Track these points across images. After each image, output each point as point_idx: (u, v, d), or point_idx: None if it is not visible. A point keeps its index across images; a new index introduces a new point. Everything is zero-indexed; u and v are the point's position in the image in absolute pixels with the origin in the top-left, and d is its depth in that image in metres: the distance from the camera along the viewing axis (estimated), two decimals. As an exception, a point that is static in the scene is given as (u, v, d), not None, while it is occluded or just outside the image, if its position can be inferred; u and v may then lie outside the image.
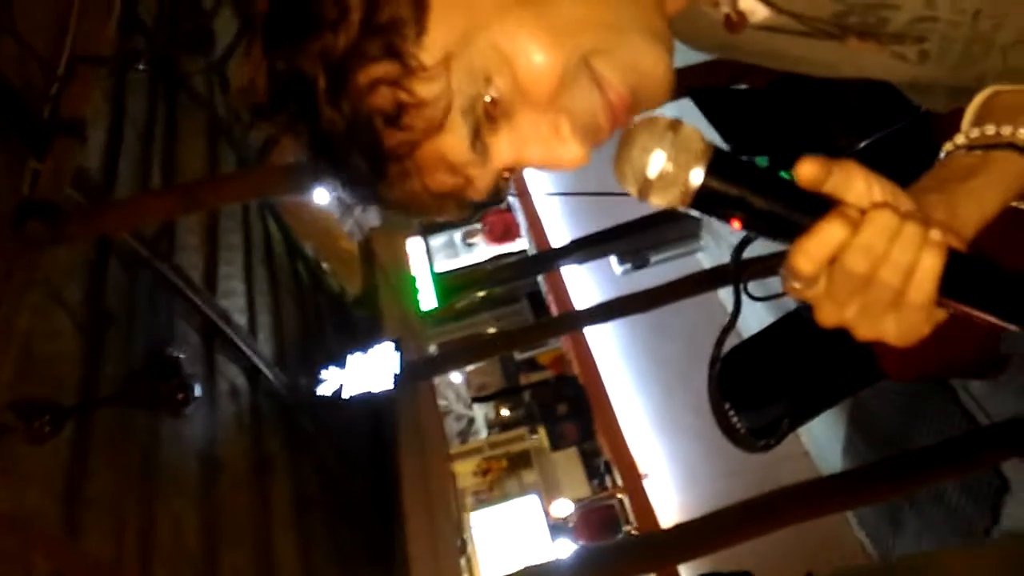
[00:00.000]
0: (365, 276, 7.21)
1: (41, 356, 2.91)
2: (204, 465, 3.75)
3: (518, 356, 9.41)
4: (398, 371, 5.11)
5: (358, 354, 5.26)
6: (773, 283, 3.94)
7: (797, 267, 0.61)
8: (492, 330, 9.73)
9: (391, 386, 5.09)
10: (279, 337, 5.30)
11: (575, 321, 5.67)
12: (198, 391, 2.68)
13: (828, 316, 0.63)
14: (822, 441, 5.15)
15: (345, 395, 5.15)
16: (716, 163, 0.62)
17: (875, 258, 0.60)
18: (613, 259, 6.57)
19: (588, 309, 5.04)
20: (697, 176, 0.62)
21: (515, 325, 9.26)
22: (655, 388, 6.91)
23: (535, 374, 9.55)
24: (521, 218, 9.43)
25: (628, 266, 6.42)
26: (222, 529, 3.57)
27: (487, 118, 0.66)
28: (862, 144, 2.10)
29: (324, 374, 5.22)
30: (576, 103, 0.68)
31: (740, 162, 0.64)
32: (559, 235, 7.89)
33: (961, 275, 0.62)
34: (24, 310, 3.01)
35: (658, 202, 0.64)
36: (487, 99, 0.65)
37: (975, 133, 0.70)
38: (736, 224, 0.65)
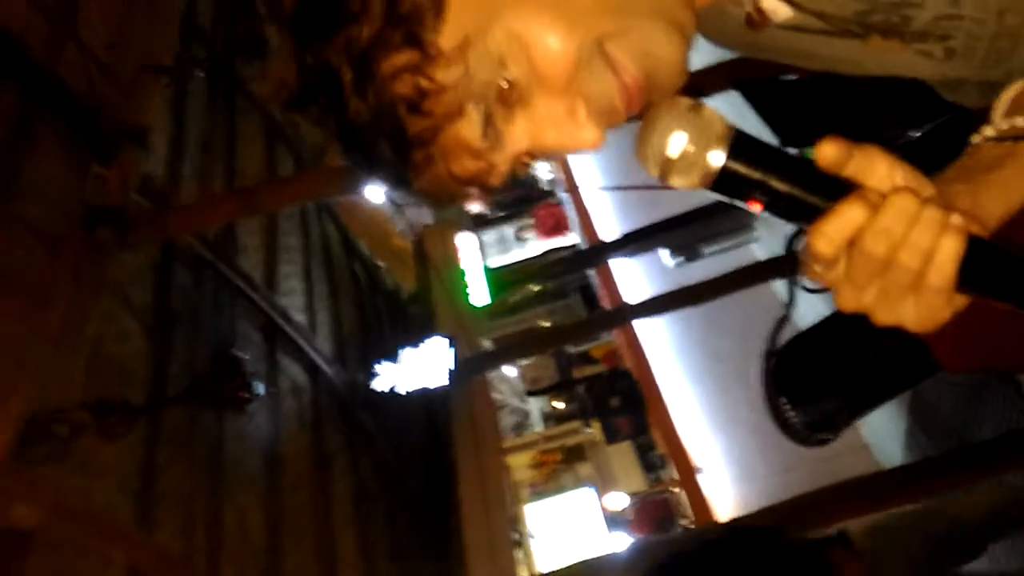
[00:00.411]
0: (418, 273, 7.29)
1: (111, 357, 3.03)
2: (267, 461, 3.86)
3: (571, 350, 9.41)
4: (452, 366, 5.16)
5: (411, 349, 5.33)
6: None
7: (816, 249, 0.61)
8: (545, 324, 9.75)
9: (446, 381, 5.15)
10: (338, 335, 5.41)
11: (627, 315, 5.66)
12: (260, 390, 2.76)
13: (847, 300, 0.63)
14: (882, 434, 5.05)
15: (401, 391, 5.22)
16: (737, 145, 0.62)
17: (894, 241, 0.60)
18: (665, 252, 6.53)
19: (640, 303, 5.02)
20: (718, 158, 0.62)
21: (567, 319, 9.26)
22: (709, 382, 6.85)
23: (588, 367, 9.55)
24: (571, 212, 9.42)
25: (680, 259, 6.36)
26: (285, 524, 3.68)
27: (503, 103, 0.67)
28: (911, 135, 2.07)
29: (378, 369, 5.30)
30: (591, 87, 0.67)
31: (762, 144, 0.63)
32: (610, 229, 7.87)
33: (981, 261, 0.61)
34: (94, 313, 3.14)
35: (679, 183, 0.64)
36: (503, 84, 0.66)
37: (1005, 125, 0.70)
38: (757, 207, 0.64)
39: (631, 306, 5.61)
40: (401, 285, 7.38)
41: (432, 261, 7.12)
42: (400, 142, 0.67)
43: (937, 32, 0.70)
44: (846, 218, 0.60)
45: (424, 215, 7.51)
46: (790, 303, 4.07)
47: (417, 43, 0.63)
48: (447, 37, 0.64)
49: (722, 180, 0.63)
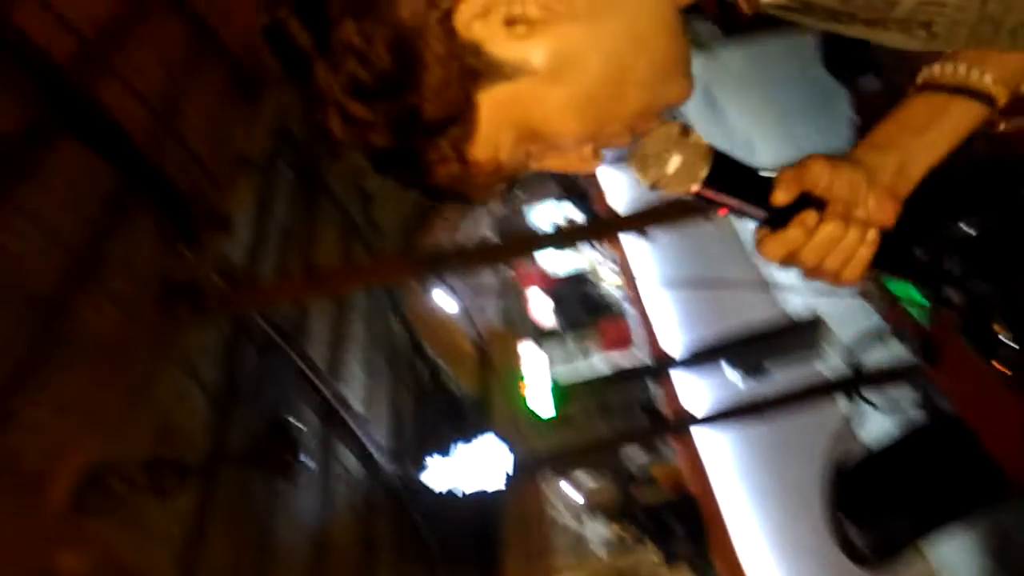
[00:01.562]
0: (480, 375, 7.34)
1: (175, 425, 3.13)
2: (315, 546, 3.85)
3: (632, 468, 9.19)
4: (508, 469, 5.11)
5: (467, 447, 5.31)
6: (897, 392, 3.77)
7: (764, 255, 0.82)
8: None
9: (501, 484, 5.09)
10: (394, 428, 5.44)
11: (688, 423, 5.55)
12: (310, 462, 2.81)
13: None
14: (953, 563, 4.74)
15: (454, 488, 5.18)
16: (717, 165, 0.79)
17: (822, 256, 0.81)
18: (730, 370, 6.43)
19: (701, 414, 4.92)
20: (702, 174, 0.78)
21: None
22: (773, 504, 6.57)
23: (649, 489, 9.28)
24: (635, 325, 9.41)
25: (745, 375, 6.25)
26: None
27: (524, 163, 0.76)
28: (971, 230, 2.06)
29: (430, 461, 5.28)
30: (604, 139, 0.76)
31: (736, 165, 0.81)
32: (674, 342, 7.82)
33: (888, 253, 0.83)
34: (164, 383, 3.27)
35: (668, 192, 0.80)
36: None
37: (948, 70, 0.85)
38: (723, 212, 0.84)
39: (692, 416, 5.51)
40: (462, 389, 7.42)
41: (495, 365, 7.17)
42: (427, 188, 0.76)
43: (919, 18, 0.72)
44: (789, 238, 0.80)
45: (491, 320, 7.61)
46: (855, 421, 3.96)
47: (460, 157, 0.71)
48: (480, 150, 0.71)
49: (703, 192, 0.80)
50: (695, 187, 0.79)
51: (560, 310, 10.40)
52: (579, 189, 10.73)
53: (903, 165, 0.86)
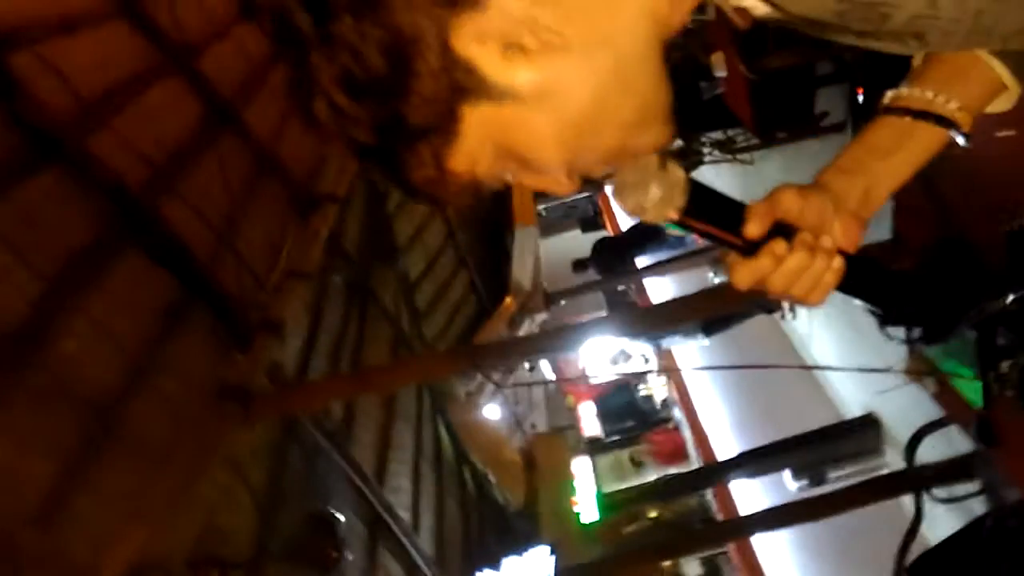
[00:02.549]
0: (528, 487, 7.21)
1: (220, 525, 3.14)
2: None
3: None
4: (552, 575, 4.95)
5: (514, 558, 5.17)
6: (961, 486, 3.60)
7: (734, 282, 0.87)
8: (666, 562, 9.19)
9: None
10: (440, 537, 5.33)
11: (742, 527, 5.32)
12: (349, 556, 2.77)
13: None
14: None
15: (500, 598, 5.01)
16: (694, 195, 0.84)
17: (790, 283, 0.86)
18: (787, 476, 6.21)
19: (756, 514, 4.73)
20: (679, 204, 0.84)
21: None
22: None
23: (709, 609, 8.82)
24: (688, 435, 9.20)
25: (804, 482, 6.02)
26: None
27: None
28: (1011, 299, 2.03)
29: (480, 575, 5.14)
30: (579, 167, 0.80)
31: (713, 196, 0.86)
32: (729, 451, 7.61)
33: (853, 277, 0.87)
34: (212, 483, 3.30)
35: (647, 219, 0.85)
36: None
37: (915, 93, 0.88)
38: (698, 238, 0.88)
39: (746, 518, 5.29)
40: (509, 499, 7.28)
41: (541, 469, 7.04)
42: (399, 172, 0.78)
43: (912, 29, 0.74)
44: (759, 266, 0.85)
45: (538, 426, 7.52)
46: (917, 519, 3.77)
47: (438, 163, 0.75)
48: (458, 161, 0.74)
49: (681, 219, 0.85)
50: (673, 215, 0.84)
51: (607, 420, 10.23)
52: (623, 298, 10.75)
53: (868, 189, 0.90)
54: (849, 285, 0.88)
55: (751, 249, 0.85)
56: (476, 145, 0.73)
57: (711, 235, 0.87)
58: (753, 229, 0.85)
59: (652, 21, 0.72)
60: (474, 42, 0.67)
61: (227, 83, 4.59)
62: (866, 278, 0.90)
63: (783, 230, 0.86)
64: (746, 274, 0.86)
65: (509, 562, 5.24)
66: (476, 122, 0.71)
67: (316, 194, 5.49)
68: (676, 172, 0.83)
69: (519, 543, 5.51)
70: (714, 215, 0.86)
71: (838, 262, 0.86)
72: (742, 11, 0.80)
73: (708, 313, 3.58)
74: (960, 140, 0.89)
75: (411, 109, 0.69)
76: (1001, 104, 0.91)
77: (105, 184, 3.38)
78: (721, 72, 5.33)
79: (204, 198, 4.09)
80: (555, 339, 3.75)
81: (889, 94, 0.91)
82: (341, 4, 0.65)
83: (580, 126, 0.73)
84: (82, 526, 2.48)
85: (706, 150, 6.68)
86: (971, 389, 2.49)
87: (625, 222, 10.51)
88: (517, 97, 0.70)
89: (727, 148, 6.47)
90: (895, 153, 0.89)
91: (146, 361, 3.28)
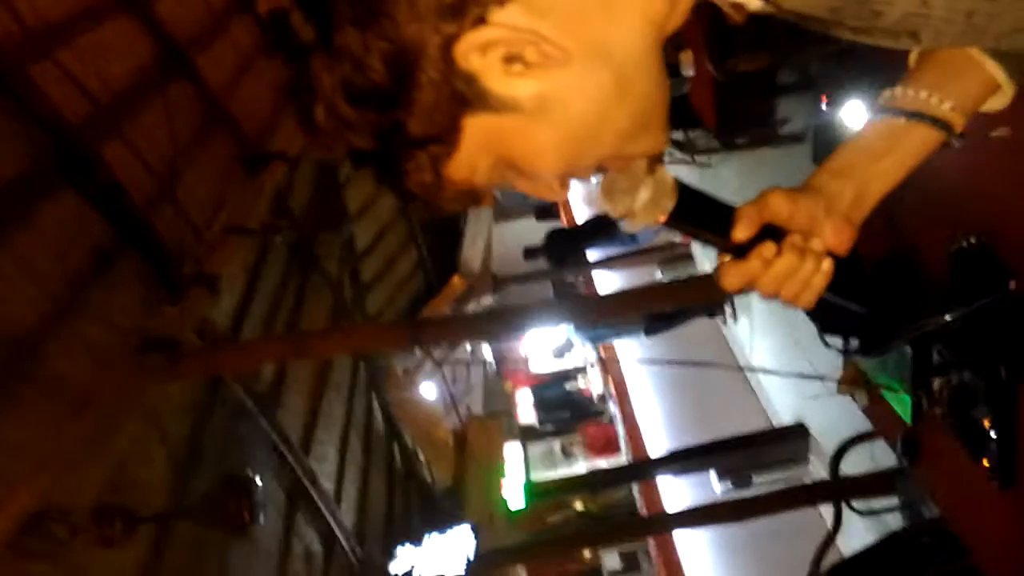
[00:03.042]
0: (457, 467, 7.18)
1: (130, 477, 3.03)
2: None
3: (607, 572, 8.87)
4: (472, 556, 4.92)
5: (436, 535, 5.14)
6: (880, 501, 3.67)
7: (723, 285, 0.86)
8: (586, 553, 9.28)
9: (462, 571, 4.89)
10: (362, 510, 5.26)
11: (663, 524, 5.37)
12: (262, 519, 2.69)
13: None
14: None
15: (417, 575, 4.97)
16: (683, 198, 0.84)
17: (779, 285, 0.85)
18: (714, 477, 6.29)
19: (680, 512, 4.77)
20: (668, 207, 0.83)
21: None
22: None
23: (625, 603, 8.93)
24: (621, 430, 9.28)
25: (729, 485, 6.11)
26: None
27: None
28: (949, 318, 2.05)
29: (399, 552, 5.10)
30: (574, 173, 0.80)
31: (701, 199, 0.86)
32: (658, 446, 7.69)
33: (840, 279, 0.87)
34: (126, 435, 3.18)
35: (636, 224, 0.85)
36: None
37: (909, 94, 0.87)
38: (685, 238, 0.81)
39: (668, 515, 5.34)
40: (436, 478, 7.25)
41: (473, 451, 7.03)
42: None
43: (906, 27, 0.74)
44: (748, 269, 0.84)
45: (473, 408, 7.49)
46: (835, 529, 3.84)
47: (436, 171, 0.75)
48: (456, 169, 0.74)
49: (669, 222, 0.85)
50: (661, 218, 0.84)
51: (543, 409, 10.27)
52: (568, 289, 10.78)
53: (860, 192, 0.89)
54: (839, 287, 0.88)
55: (740, 251, 0.85)
56: (474, 154, 0.73)
57: (700, 237, 0.87)
58: (741, 232, 0.84)
59: (651, 26, 0.73)
60: (475, 54, 0.67)
61: (183, 28, 4.43)
62: (856, 281, 0.90)
63: (773, 233, 0.85)
64: (735, 276, 0.85)
65: (431, 539, 5.21)
66: (475, 132, 0.72)
67: (266, 151, 5.34)
68: (665, 175, 0.83)
69: (443, 522, 5.49)
70: (703, 218, 0.86)
71: (827, 264, 0.86)
72: (738, 6, 0.79)
73: (654, 307, 3.58)
74: (954, 142, 0.88)
75: (411, 118, 0.70)
76: (995, 103, 0.91)
77: (44, 117, 3.23)
78: (689, 71, 5.32)
79: (147, 142, 3.95)
80: (500, 321, 3.71)
81: (883, 94, 0.90)
82: (345, 15, 0.66)
83: (579, 136, 0.74)
84: (-19, 467, 2.36)
85: (666, 149, 6.68)
86: (901, 405, 2.51)
87: (580, 214, 10.54)
88: (517, 108, 0.70)
89: (687, 149, 6.49)
90: (888, 155, 0.89)
91: (69, 304, 3.15)
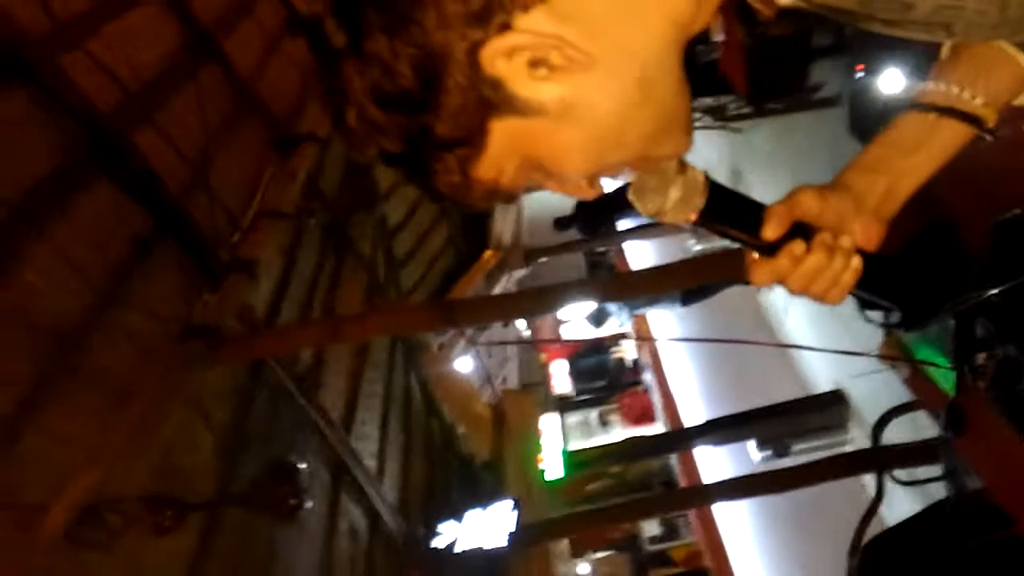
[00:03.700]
0: (495, 441, 7.26)
1: (178, 465, 3.09)
2: (314, 602, 3.74)
3: (649, 548, 8.92)
4: (514, 529, 4.99)
5: (477, 510, 5.21)
6: (923, 469, 3.63)
7: (753, 282, 0.89)
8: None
9: (505, 544, 4.96)
10: (404, 487, 5.35)
11: (704, 496, 5.38)
12: (309, 503, 2.75)
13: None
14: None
15: (459, 549, 5.06)
16: (713, 196, 0.84)
17: (808, 283, 0.86)
18: (752, 446, 6.27)
19: (718, 483, 4.78)
20: (698, 206, 0.84)
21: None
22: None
23: (665, 570, 8.99)
24: (657, 399, 9.27)
25: (768, 453, 6.09)
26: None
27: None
28: (984, 297, 2.00)
29: (441, 527, 5.18)
30: (602, 173, 0.82)
31: (732, 197, 0.86)
32: (696, 418, 7.68)
33: (870, 276, 0.88)
34: (171, 423, 3.25)
35: (668, 222, 0.86)
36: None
37: (940, 88, 0.87)
38: (718, 237, 0.88)
39: (708, 486, 5.35)
40: (475, 452, 7.33)
41: (509, 424, 7.09)
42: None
43: (939, 20, 0.73)
44: (778, 266, 0.86)
45: (510, 383, 7.54)
46: (878, 498, 3.81)
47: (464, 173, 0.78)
48: (484, 171, 0.77)
49: (700, 221, 0.85)
50: (692, 217, 0.85)
51: (579, 380, 10.30)
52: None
53: (891, 187, 0.90)
54: (868, 284, 0.88)
55: (770, 249, 0.85)
56: (501, 157, 0.75)
57: (730, 236, 0.87)
58: (771, 231, 0.85)
59: (675, 28, 0.73)
60: (502, 59, 0.69)
61: (209, 10, 4.44)
62: (886, 277, 0.90)
63: (802, 230, 0.85)
64: (765, 274, 0.87)
65: (472, 514, 5.29)
66: (502, 134, 0.73)
67: (296, 133, 5.36)
68: (695, 174, 0.83)
69: (483, 496, 5.56)
70: (733, 217, 0.86)
71: (857, 261, 0.87)
72: (767, 1, 0.79)
73: (687, 283, 3.57)
74: (986, 136, 0.87)
75: (439, 122, 0.72)
76: None
77: (76, 108, 3.26)
78: (719, 36, 5.23)
79: (179, 129, 3.98)
80: (533, 301, 3.72)
81: (916, 89, 0.90)
82: (375, 23, 0.68)
83: (605, 138, 0.75)
84: (34, 464, 2.43)
85: (696, 115, 6.60)
86: (943, 377, 2.48)
87: (610, 184, 10.43)
88: (543, 111, 0.72)
89: (718, 115, 6.40)
90: (918, 150, 0.89)
91: (111, 294, 3.20)
